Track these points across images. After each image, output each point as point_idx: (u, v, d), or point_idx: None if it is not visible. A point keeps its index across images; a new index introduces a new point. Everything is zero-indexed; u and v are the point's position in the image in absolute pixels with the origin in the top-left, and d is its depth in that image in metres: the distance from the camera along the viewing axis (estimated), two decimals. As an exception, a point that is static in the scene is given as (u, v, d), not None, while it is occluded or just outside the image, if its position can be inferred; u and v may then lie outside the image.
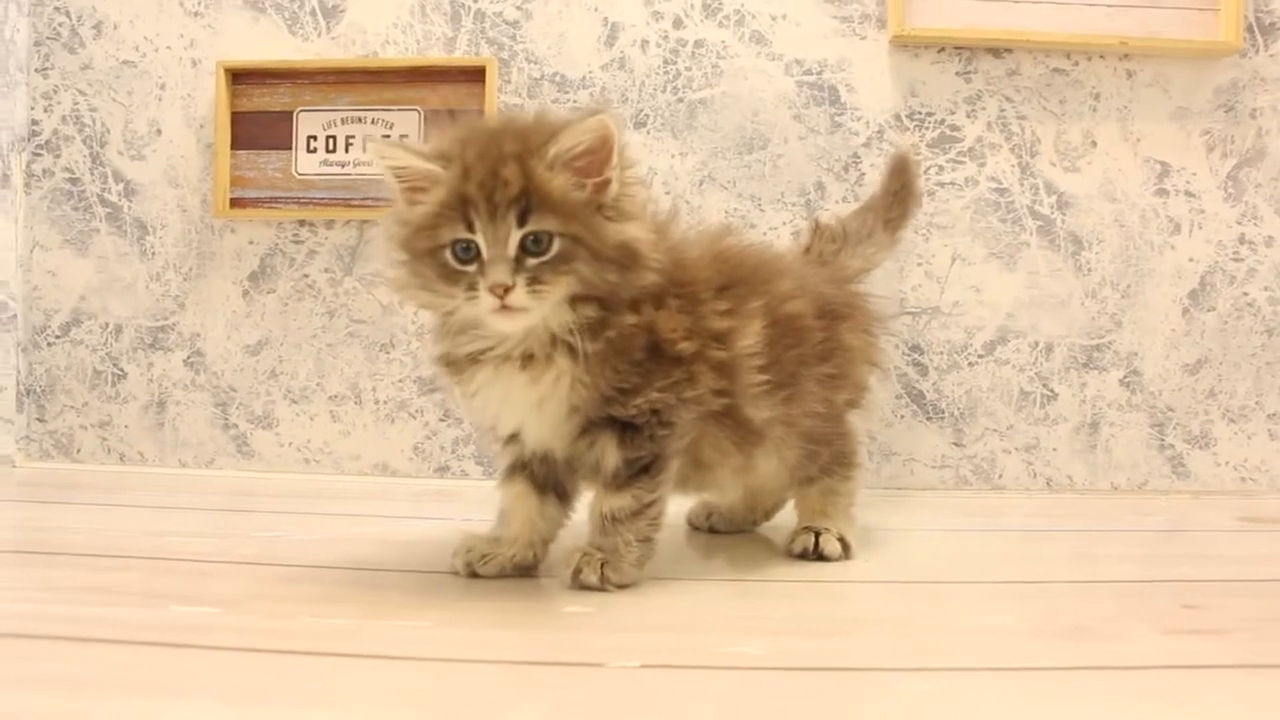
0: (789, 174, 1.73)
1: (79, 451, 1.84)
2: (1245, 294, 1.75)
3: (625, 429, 1.04)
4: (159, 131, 1.80)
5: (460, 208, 0.98)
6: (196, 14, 1.79)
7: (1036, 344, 1.74)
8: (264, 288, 1.80)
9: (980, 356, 1.74)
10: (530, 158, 0.98)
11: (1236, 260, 1.75)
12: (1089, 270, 1.74)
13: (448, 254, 1.00)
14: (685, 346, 1.04)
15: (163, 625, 0.90)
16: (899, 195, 1.46)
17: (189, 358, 1.81)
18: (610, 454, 1.05)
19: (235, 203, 1.77)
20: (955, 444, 1.74)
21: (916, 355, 1.74)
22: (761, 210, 1.72)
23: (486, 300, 0.97)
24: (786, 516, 1.33)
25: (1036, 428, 1.74)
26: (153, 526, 1.36)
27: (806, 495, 1.28)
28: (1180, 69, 1.74)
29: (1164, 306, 1.75)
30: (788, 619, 0.99)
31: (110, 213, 1.82)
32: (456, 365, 1.06)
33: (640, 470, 1.05)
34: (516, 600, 1.01)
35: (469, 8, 1.76)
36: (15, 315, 1.81)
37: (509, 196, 0.96)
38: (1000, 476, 1.75)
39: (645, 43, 1.75)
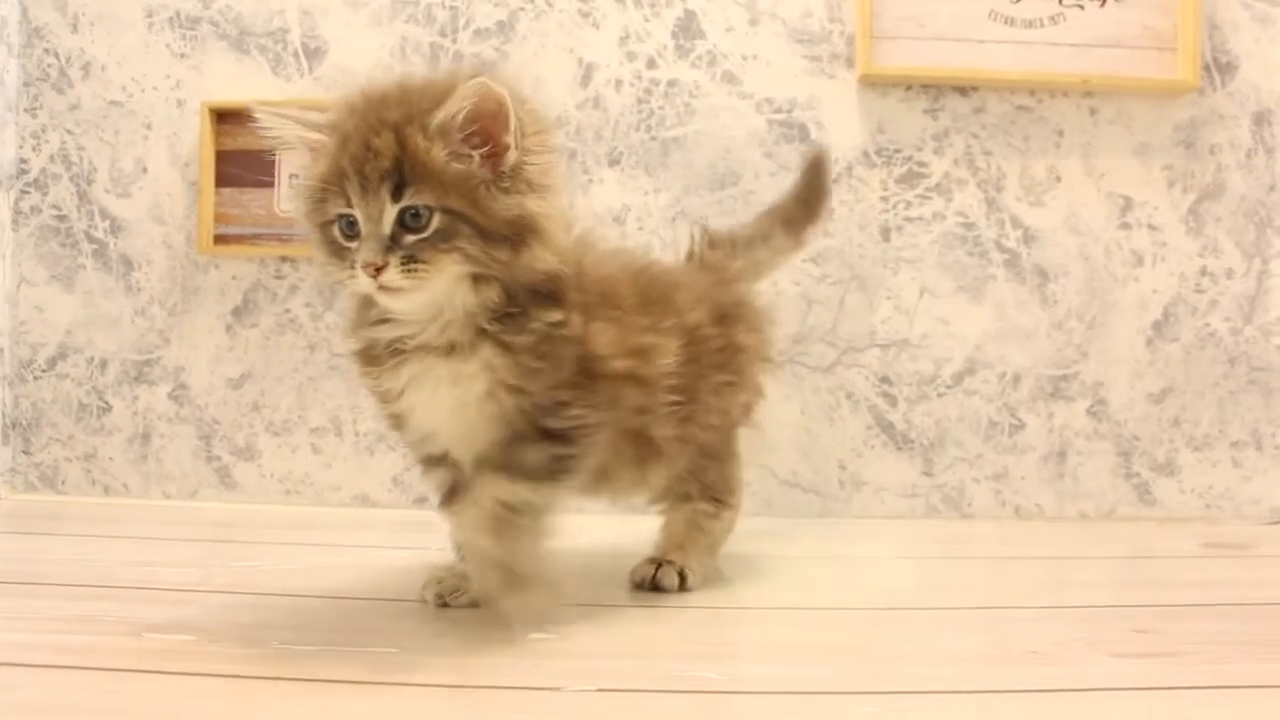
0: (760, 210, 1.76)
1: (64, 484, 1.86)
2: (1207, 325, 1.79)
3: (549, 433, 0.99)
4: (145, 170, 1.84)
5: (339, 181, 0.92)
6: (182, 55, 1.83)
7: (1004, 375, 1.78)
8: (247, 322, 1.83)
9: (949, 387, 1.78)
10: (407, 126, 0.91)
11: (1199, 292, 1.79)
12: (1055, 302, 1.78)
13: (335, 230, 0.94)
14: (619, 365, 1.02)
15: (139, 652, 0.92)
16: (808, 197, 1.42)
17: (173, 391, 1.84)
18: (532, 452, 0.99)
19: (219, 239, 1.80)
20: (925, 473, 1.78)
21: (886, 386, 1.78)
22: (734, 245, 1.76)
23: (363, 279, 0.92)
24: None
25: (1005, 457, 1.78)
26: (135, 557, 1.39)
27: (673, 520, 1.26)
28: (1141, 106, 1.79)
29: (1128, 337, 1.79)
30: (747, 644, 1.02)
31: (96, 249, 1.85)
32: (378, 359, 1.01)
33: (559, 468, 1.00)
34: (481, 627, 1.04)
35: (447, 49, 1.81)
36: (2, 350, 1.84)
37: (381, 169, 0.90)
38: (969, 505, 1.78)
39: (619, 82, 1.79)
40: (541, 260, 0.95)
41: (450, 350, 0.97)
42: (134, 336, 1.85)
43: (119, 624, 1.02)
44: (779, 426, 1.77)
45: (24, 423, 1.86)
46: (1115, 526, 1.73)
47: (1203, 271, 1.79)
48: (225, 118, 1.81)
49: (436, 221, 0.91)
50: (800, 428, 1.77)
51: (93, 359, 1.85)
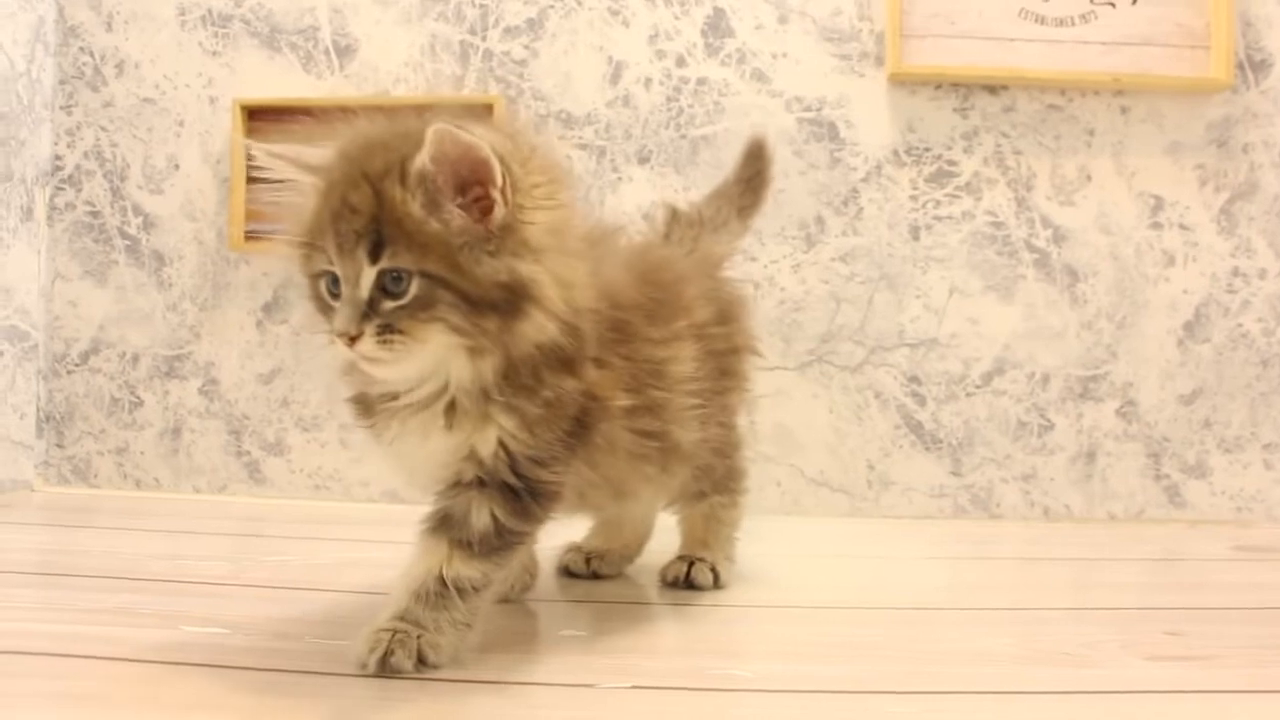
0: (789, 208, 1.77)
1: (96, 477, 1.88)
2: (1239, 325, 1.77)
3: (512, 492, 0.90)
4: (177, 167, 1.86)
5: (320, 235, 0.84)
6: (215, 53, 1.85)
7: (1033, 375, 1.77)
8: (277, 318, 1.84)
9: (978, 387, 1.77)
10: (385, 179, 0.82)
11: (1230, 292, 1.77)
12: (1085, 302, 1.77)
13: (321, 285, 0.86)
14: (623, 402, 0.94)
15: (174, 645, 0.94)
16: (752, 182, 1.36)
17: (204, 386, 1.86)
18: (483, 516, 0.89)
19: (250, 236, 1.81)
20: (953, 473, 1.77)
21: (915, 386, 1.77)
22: (763, 244, 1.76)
23: (339, 345, 0.83)
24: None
25: (1034, 457, 1.77)
26: (167, 550, 1.40)
27: (691, 517, 1.25)
28: (1173, 105, 1.77)
29: (1159, 338, 1.78)
30: (778, 643, 1.02)
31: (129, 245, 1.87)
32: (370, 408, 0.93)
33: (510, 543, 0.91)
34: (513, 623, 1.05)
35: (478, 47, 1.81)
36: (37, 344, 1.86)
37: (356, 227, 0.82)
38: (998, 505, 1.77)
39: (649, 80, 1.79)
40: (540, 330, 0.86)
41: (451, 409, 0.88)
42: (165, 332, 1.86)
43: (153, 616, 1.03)
44: (807, 425, 1.77)
45: (57, 416, 1.88)
46: (1145, 528, 1.72)
47: (1235, 272, 1.78)
48: (257, 115, 1.82)
49: (415, 287, 0.82)
50: (829, 427, 1.77)
51: (125, 354, 1.87)
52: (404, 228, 0.81)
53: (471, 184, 0.83)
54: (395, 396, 0.90)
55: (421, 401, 0.89)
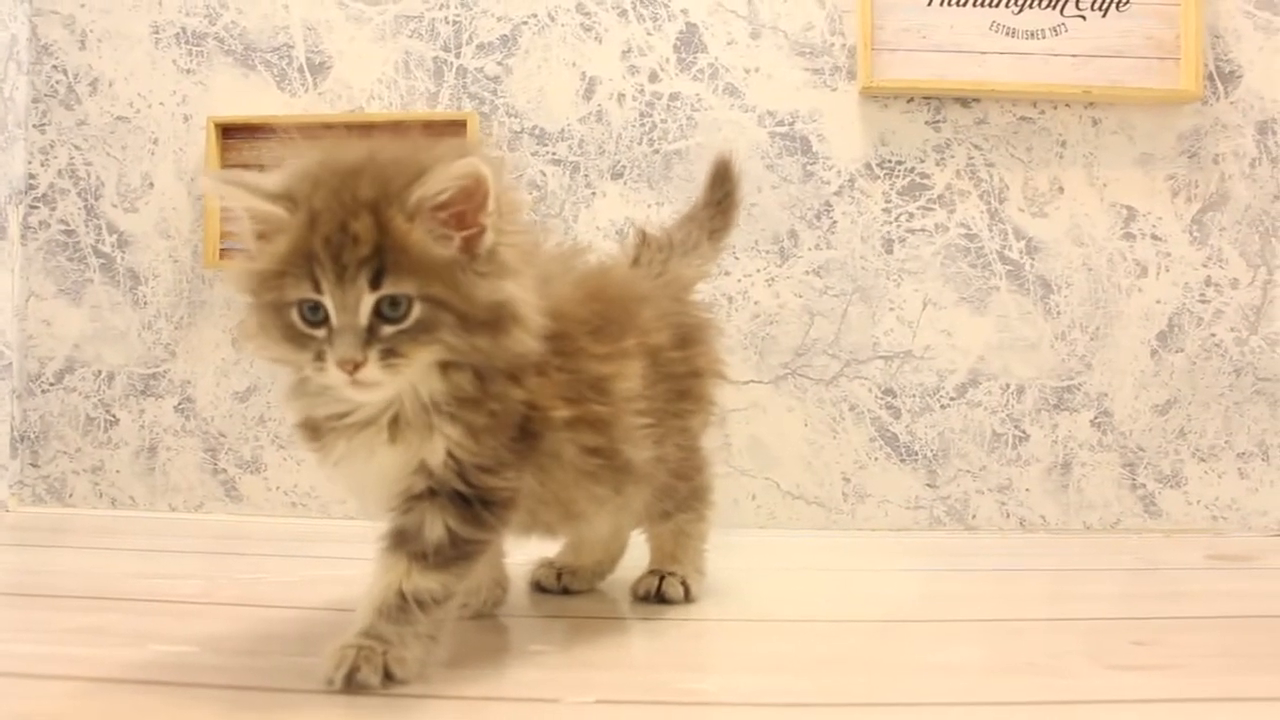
0: (763, 222, 1.78)
1: (71, 496, 1.87)
2: (1213, 335, 1.78)
3: (463, 501, 0.91)
4: (151, 185, 1.85)
5: (305, 264, 0.83)
6: (189, 71, 1.85)
7: (1008, 386, 1.78)
8: (253, 335, 1.84)
9: (952, 399, 1.78)
10: (387, 207, 0.83)
11: (1203, 302, 1.79)
12: (1058, 313, 1.78)
13: (294, 313, 0.85)
14: (562, 413, 0.94)
15: (142, 664, 0.93)
16: (722, 204, 1.36)
17: (179, 404, 1.85)
18: (437, 527, 0.90)
19: (225, 253, 1.81)
20: (929, 485, 1.77)
21: (890, 399, 1.78)
22: (736, 258, 1.77)
23: (334, 374, 0.84)
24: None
25: (1009, 468, 1.78)
26: (141, 569, 1.40)
27: (659, 534, 1.25)
28: (1144, 116, 1.79)
29: (1133, 348, 1.79)
30: (747, 657, 1.02)
31: (104, 263, 1.86)
32: (316, 430, 0.93)
33: (466, 552, 0.92)
34: (483, 638, 1.05)
35: (451, 64, 1.82)
36: (10, 363, 1.85)
37: (359, 256, 0.82)
38: (974, 517, 1.78)
39: (622, 96, 1.80)
40: (521, 344, 0.89)
41: (395, 424, 0.90)
42: (141, 350, 1.86)
43: (125, 636, 1.03)
44: (782, 439, 1.77)
45: (32, 435, 1.88)
46: (1120, 538, 1.73)
47: (1207, 281, 1.79)
48: (231, 133, 1.82)
49: (418, 311, 0.84)
50: (804, 440, 1.78)
51: (100, 372, 1.87)
52: (410, 255, 0.83)
53: (469, 210, 0.86)
54: (342, 416, 0.91)
55: (368, 418, 0.90)
